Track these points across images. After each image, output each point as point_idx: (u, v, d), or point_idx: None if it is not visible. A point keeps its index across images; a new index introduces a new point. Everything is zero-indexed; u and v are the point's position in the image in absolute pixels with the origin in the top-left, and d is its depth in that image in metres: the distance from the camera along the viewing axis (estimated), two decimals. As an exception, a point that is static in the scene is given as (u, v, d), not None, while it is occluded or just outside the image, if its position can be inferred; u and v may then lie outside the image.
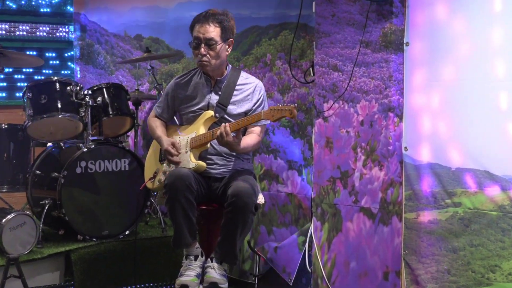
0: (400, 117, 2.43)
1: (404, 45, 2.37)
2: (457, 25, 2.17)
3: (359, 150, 2.62)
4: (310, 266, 2.81)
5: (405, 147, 2.39)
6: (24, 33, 4.48)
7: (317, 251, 2.77)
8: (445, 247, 2.23)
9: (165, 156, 2.46)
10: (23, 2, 4.46)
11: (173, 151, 2.38)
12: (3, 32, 4.40)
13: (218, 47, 2.39)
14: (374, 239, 2.55)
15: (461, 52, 2.16)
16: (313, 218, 2.81)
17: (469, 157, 2.13)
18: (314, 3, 2.77)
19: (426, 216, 2.31)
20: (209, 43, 2.37)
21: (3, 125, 3.23)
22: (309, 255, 2.81)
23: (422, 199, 2.33)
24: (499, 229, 2.04)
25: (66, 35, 4.64)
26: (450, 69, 2.21)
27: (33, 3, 4.50)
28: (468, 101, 2.14)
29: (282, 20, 3.06)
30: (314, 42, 2.80)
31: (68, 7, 4.62)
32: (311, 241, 2.81)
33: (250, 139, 2.43)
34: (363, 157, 2.60)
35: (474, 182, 2.12)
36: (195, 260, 2.34)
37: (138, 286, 2.93)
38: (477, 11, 2.09)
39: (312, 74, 2.83)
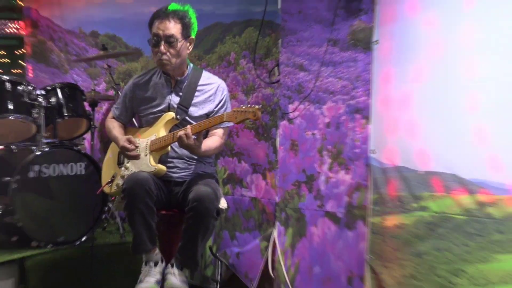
0: (367, 119, 2.37)
1: (373, 43, 2.32)
2: (428, 22, 2.11)
3: (325, 153, 2.55)
4: (273, 272, 2.73)
5: (372, 150, 2.33)
6: (-31, 28, 4.31)
7: (280, 257, 2.70)
8: (411, 251, 2.19)
9: (122, 153, 2.34)
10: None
11: (129, 146, 2.29)
12: None
13: (179, 44, 2.27)
14: (339, 244, 2.50)
15: (431, 51, 2.11)
16: (277, 223, 2.74)
17: (437, 160, 2.09)
18: (278, -2, 2.70)
19: (392, 221, 2.27)
20: (169, 40, 2.25)
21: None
22: (272, 261, 2.74)
23: (389, 203, 2.28)
24: (465, 233, 2.01)
25: (16, 31, 4.44)
26: (420, 68, 2.16)
27: (-21, -4, 4.31)
28: (438, 102, 2.09)
29: (247, 16, 2.96)
30: (280, 40, 2.72)
31: (18, 1, 4.41)
32: (274, 247, 2.73)
33: (212, 141, 2.34)
34: (329, 160, 2.54)
35: (441, 185, 2.08)
36: (155, 266, 2.25)
37: (95, 293, 2.80)
38: (449, 8, 2.03)
39: (277, 74, 2.75)
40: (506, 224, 1.84)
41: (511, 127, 1.81)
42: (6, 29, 4.43)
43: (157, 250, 2.28)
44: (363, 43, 2.39)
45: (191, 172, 2.37)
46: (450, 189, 2.03)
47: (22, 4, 4.36)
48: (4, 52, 4.44)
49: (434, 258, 2.10)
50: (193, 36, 2.37)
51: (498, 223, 1.86)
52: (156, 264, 2.25)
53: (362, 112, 2.40)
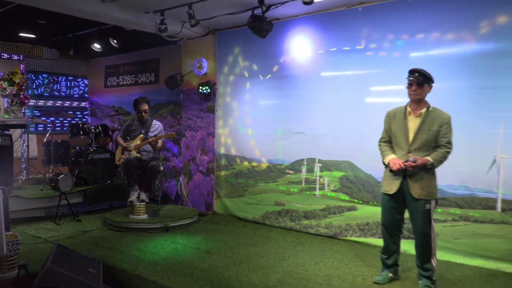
0: (213, 136, 6.81)
1: (215, 111, 6.76)
2: (232, 104, 6.59)
3: (199, 149, 6.98)
4: (180, 192, 7.15)
5: (216, 148, 6.78)
6: None
7: (183, 187, 7.12)
8: (229, 184, 6.66)
9: (124, 149, 6.57)
10: None
11: (127, 146, 6.48)
12: None
13: (147, 113, 6.54)
14: (204, 182, 6.95)
15: (233, 113, 6.56)
16: (182, 175, 7.15)
17: (237, 150, 6.56)
18: (182, 94, 7.07)
19: (223, 173, 6.74)
20: (146, 111, 6.49)
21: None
22: (180, 189, 7.15)
23: (221, 166, 6.75)
24: (248, 175, 6.38)
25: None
26: (230, 120, 6.62)
27: None
28: (238, 130, 6.50)
29: (170, 100, 7.39)
30: (182, 109, 7.10)
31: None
32: (181, 184, 7.15)
33: (159, 144, 6.64)
34: (200, 151, 6.96)
35: (240, 159, 6.55)
36: (135, 191, 6.41)
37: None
38: (242, 100, 6.54)
39: (181, 121, 7.13)
40: (259, 172, 6.30)
41: (263, 133, 6.36)
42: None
43: (136, 186, 6.49)
44: (211, 111, 6.83)
45: (150, 156, 6.60)
46: (242, 162, 6.53)
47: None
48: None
49: (239, 186, 6.53)
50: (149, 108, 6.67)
51: (257, 172, 6.27)
52: (136, 190, 6.40)
53: (212, 135, 6.84)
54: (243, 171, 6.31)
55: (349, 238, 5.09)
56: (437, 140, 3.49)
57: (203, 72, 6.62)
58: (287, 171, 5.81)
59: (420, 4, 4.58)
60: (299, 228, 5.54)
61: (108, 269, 4.18)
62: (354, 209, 5.15)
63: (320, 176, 5.45)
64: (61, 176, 6.37)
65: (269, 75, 5.93)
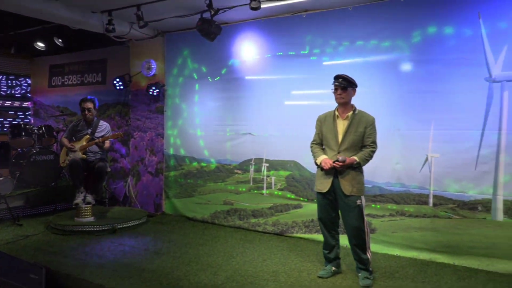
0: (162, 137, 6.80)
1: (164, 111, 6.74)
2: (181, 105, 6.61)
3: (148, 149, 6.94)
4: (128, 193, 7.07)
5: (165, 148, 6.77)
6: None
7: (131, 188, 7.05)
8: (178, 184, 6.65)
9: (68, 150, 6.39)
10: None
11: (72, 147, 6.30)
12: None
13: (94, 112, 6.42)
14: (153, 182, 6.91)
15: (182, 114, 6.55)
16: (130, 176, 7.07)
17: (186, 150, 6.58)
18: (130, 95, 7.00)
19: (172, 173, 6.74)
20: (90, 109, 6.37)
21: None
22: (128, 190, 7.07)
23: (170, 167, 6.74)
24: (197, 175, 6.44)
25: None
26: (180, 121, 6.63)
27: None
28: (187, 131, 6.49)
29: (117, 101, 7.30)
30: (131, 110, 7.03)
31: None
32: (129, 185, 7.07)
33: (106, 145, 6.53)
34: (149, 152, 6.93)
35: (189, 160, 6.55)
36: (81, 193, 6.27)
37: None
38: (190, 99, 6.55)
39: (129, 122, 7.06)
40: (208, 172, 6.36)
41: (212, 134, 6.40)
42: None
43: (82, 188, 6.35)
44: (160, 112, 6.81)
45: (97, 157, 6.49)
46: (191, 162, 6.54)
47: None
48: None
49: (188, 186, 6.52)
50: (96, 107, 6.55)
51: (206, 172, 6.33)
52: (82, 192, 6.28)
53: (160, 135, 6.82)
54: (192, 172, 6.35)
55: (295, 235, 5.25)
56: (363, 141, 3.72)
57: (152, 73, 6.60)
58: (235, 171, 5.91)
59: (360, 13, 4.83)
60: (247, 227, 5.64)
61: (52, 274, 4.07)
62: (299, 206, 5.33)
63: (267, 176, 5.59)
64: (1, 178, 6.12)
65: (218, 77, 6.00)
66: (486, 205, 4.25)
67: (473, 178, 4.29)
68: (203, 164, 6.27)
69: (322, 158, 3.80)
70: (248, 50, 5.70)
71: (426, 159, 4.52)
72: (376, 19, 4.74)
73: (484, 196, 4.26)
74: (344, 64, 4.92)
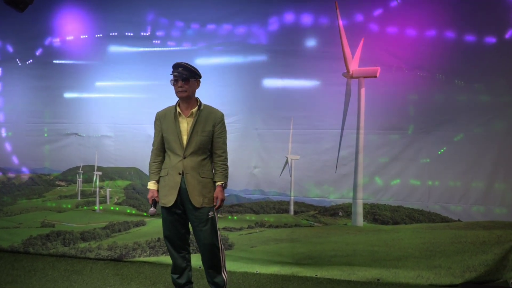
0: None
1: None
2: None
3: None
4: None
5: None
6: None
7: None
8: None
9: None
10: None
11: None
12: None
13: None
14: None
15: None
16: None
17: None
18: None
19: None
20: None
21: None
22: None
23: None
24: (6, 192, 4.97)
25: None
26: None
27: None
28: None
29: None
30: None
31: None
32: None
33: None
34: None
35: None
36: None
37: None
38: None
39: None
40: (19, 186, 4.89)
41: (23, 134, 4.91)
42: None
43: None
44: None
45: None
46: (23, 169, 5.01)
47: None
48: None
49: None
50: None
51: (15, 186, 4.88)
52: None
53: None
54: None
55: (137, 259, 4.50)
56: (212, 141, 3.27)
57: None
58: (57, 182, 4.92)
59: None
60: (74, 254, 4.67)
61: None
62: (142, 224, 4.62)
63: (101, 187, 4.78)
64: None
65: (31, 60, 4.92)
66: (347, 210, 4.17)
67: (334, 182, 4.18)
68: (10, 175, 5.06)
69: (151, 188, 3.29)
70: (72, 27, 4.81)
71: (286, 162, 4.26)
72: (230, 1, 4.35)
73: (345, 200, 4.18)
74: (194, 50, 4.42)
